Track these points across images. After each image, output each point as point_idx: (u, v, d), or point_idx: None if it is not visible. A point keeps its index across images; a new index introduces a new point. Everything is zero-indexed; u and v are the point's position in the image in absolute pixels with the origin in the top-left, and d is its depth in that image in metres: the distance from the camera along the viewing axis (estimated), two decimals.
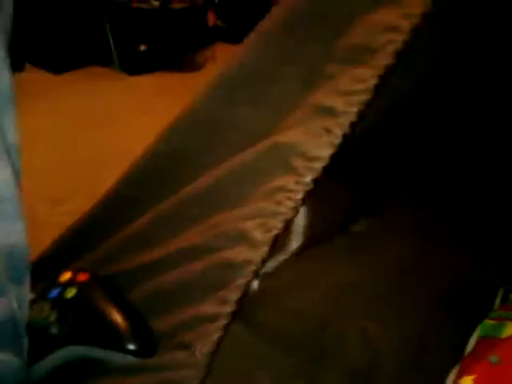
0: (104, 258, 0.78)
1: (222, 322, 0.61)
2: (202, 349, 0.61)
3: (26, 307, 0.51)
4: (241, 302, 0.61)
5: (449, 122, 1.12)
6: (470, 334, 0.82)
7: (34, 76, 2.45)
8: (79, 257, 0.80)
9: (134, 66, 2.60)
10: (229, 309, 0.61)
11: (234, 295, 0.61)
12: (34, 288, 0.75)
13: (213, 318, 0.61)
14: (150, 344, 0.67)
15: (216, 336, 0.61)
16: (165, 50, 2.66)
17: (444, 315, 0.95)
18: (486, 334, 0.79)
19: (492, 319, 0.81)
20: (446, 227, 1.12)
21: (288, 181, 0.62)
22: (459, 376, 0.72)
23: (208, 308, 0.62)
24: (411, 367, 0.86)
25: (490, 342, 0.77)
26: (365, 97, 0.61)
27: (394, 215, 1.17)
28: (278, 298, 0.93)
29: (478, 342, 0.79)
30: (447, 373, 0.78)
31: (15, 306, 0.48)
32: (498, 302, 0.88)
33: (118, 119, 2.04)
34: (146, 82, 2.55)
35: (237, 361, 0.79)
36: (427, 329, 0.93)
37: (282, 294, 0.94)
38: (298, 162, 0.62)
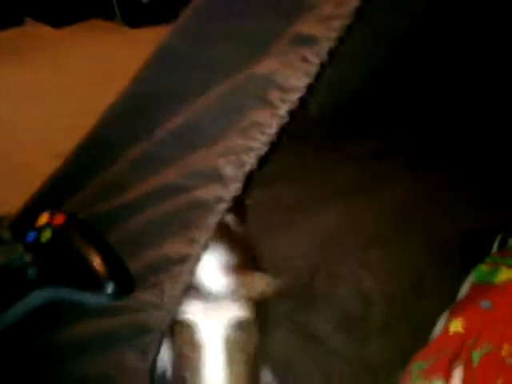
0: (82, 203, 0.76)
1: (191, 263, 0.58)
2: (171, 291, 0.59)
3: None
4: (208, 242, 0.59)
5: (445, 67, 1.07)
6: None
7: (34, 30, 2.40)
8: (59, 203, 0.79)
9: (137, 18, 2.53)
10: (198, 249, 0.58)
11: (203, 235, 0.58)
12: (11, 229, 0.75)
13: (182, 259, 0.59)
14: (127, 285, 0.66)
15: (185, 278, 0.59)
16: (168, 1, 2.58)
17: (441, 262, 0.92)
18: (480, 279, 0.76)
19: (487, 264, 0.78)
20: (447, 175, 1.07)
21: (263, 115, 0.58)
22: (449, 319, 0.70)
23: (177, 248, 0.60)
24: (404, 313, 0.84)
25: (483, 287, 0.74)
26: (345, 21, 0.57)
27: (395, 161, 1.13)
28: (270, 248, 0.90)
29: (471, 287, 0.76)
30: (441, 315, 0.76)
31: None
32: (495, 247, 0.84)
33: (119, 73, 1.99)
34: (149, 35, 2.48)
35: None
36: (423, 275, 0.91)
37: (273, 244, 0.92)
38: (274, 95, 0.59)
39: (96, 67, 2.07)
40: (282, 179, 1.04)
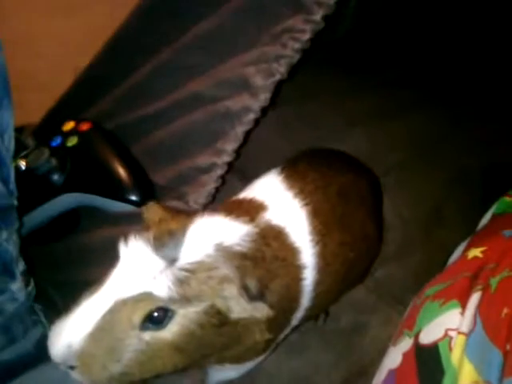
0: (106, 112, 0.74)
1: (217, 172, 0.58)
2: (197, 199, 0.59)
3: (11, 134, 0.48)
4: (238, 152, 0.58)
5: None
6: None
7: None
8: (82, 113, 0.78)
9: None
10: (225, 159, 0.57)
11: (230, 145, 0.57)
12: (34, 136, 0.74)
13: (208, 169, 0.58)
14: (150, 195, 0.66)
15: (210, 187, 0.58)
16: None
17: (461, 193, 0.90)
18: (503, 210, 0.74)
19: (510, 196, 0.75)
20: (471, 107, 1.03)
21: (296, 20, 0.55)
22: (468, 248, 0.68)
23: (204, 159, 0.59)
24: (420, 240, 0.83)
25: (505, 217, 0.72)
26: None
27: (419, 90, 1.09)
28: None
29: (493, 218, 0.74)
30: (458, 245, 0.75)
31: None
32: None
33: None
34: None
35: None
36: (442, 205, 0.89)
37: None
38: None
39: None
40: (308, 99, 1.02)
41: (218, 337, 0.43)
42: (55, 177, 0.67)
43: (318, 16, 0.53)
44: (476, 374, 0.41)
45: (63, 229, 0.70)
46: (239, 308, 0.41)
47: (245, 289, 0.41)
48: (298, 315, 0.52)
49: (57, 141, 0.70)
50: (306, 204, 0.51)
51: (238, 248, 0.43)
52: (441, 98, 1.07)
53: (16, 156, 0.53)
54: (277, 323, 0.48)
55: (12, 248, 0.47)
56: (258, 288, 0.42)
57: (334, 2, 0.53)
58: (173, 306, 0.40)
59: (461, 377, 0.41)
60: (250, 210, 0.48)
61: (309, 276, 0.49)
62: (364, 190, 0.61)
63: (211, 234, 0.43)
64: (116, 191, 0.66)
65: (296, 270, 0.48)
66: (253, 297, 0.41)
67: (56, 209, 0.68)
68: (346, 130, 0.95)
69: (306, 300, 0.50)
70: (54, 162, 0.67)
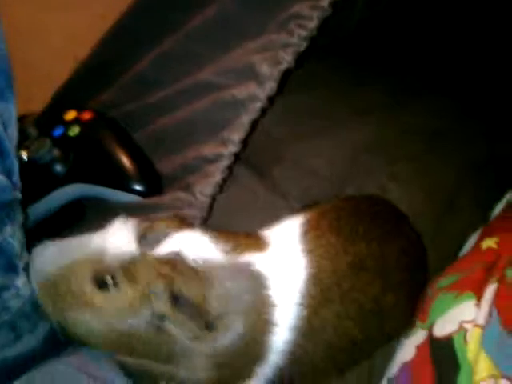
0: (109, 101, 0.73)
1: (224, 163, 0.57)
2: (203, 190, 0.58)
3: (14, 125, 0.47)
4: (244, 142, 0.57)
5: None
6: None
7: None
8: (84, 101, 0.76)
9: None
10: (231, 149, 0.56)
11: (237, 135, 0.56)
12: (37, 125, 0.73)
13: (214, 159, 0.57)
14: (156, 185, 0.64)
15: (217, 178, 0.57)
16: None
17: (476, 181, 0.89)
18: None
19: None
20: (482, 94, 1.01)
21: (303, 7, 0.54)
22: (481, 238, 0.67)
23: (210, 149, 0.58)
24: (432, 229, 0.82)
25: None
26: None
27: (430, 77, 1.07)
28: (297, 155, 0.88)
29: (506, 207, 0.74)
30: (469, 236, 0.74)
31: None
32: None
33: None
34: None
35: (251, 214, 0.77)
36: (454, 195, 0.88)
37: (301, 150, 0.89)
38: None
39: None
40: (313, 88, 1.00)
41: (151, 339, 0.45)
42: (58, 167, 0.66)
43: (325, 2, 0.52)
44: (493, 367, 0.40)
45: (68, 221, 0.69)
46: (159, 305, 0.44)
47: (174, 296, 0.44)
48: (266, 371, 0.49)
49: (59, 130, 0.69)
50: (311, 267, 0.49)
51: (194, 264, 0.45)
52: (451, 87, 1.04)
53: (18, 147, 0.52)
54: (230, 364, 0.47)
55: (16, 243, 0.46)
56: (190, 303, 0.43)
57: None
58: (119, 278, 0.44)
59: (477, 370, 0.40)
60: (241, 245, 0.48)
61: (281, 334, 0.47)
62: (390, 258, 0.55)
63: (184, 245, 0.46)
64: (120, 181, 0.65)
65: (263, 322, 0.47)
66: (183, 309, 0.43)
67: (59, 200, 0.66)
68: (354, 120, 0.93)
69: (274, 357, 0.48)
70: (56, 152, 0.65)
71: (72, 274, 0.45)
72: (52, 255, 0.46)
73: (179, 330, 0.44)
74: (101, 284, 0.44)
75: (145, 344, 0.45)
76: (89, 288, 0.44)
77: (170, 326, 0.44)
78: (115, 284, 0.44)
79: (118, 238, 0.46)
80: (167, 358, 0.46)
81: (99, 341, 0.46)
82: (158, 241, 0.46)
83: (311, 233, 0.52)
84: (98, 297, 0.44)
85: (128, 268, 0.44)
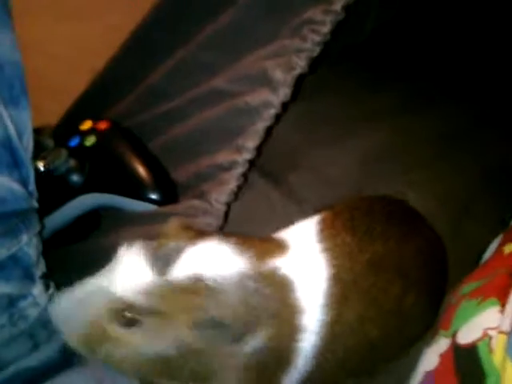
0: (124, 112, 0.74)
1: (239, 170, 0.56)
2: (218, 198, 0.57)
3: (29, 134, 0.48)
4: (259, 149, 0.56)
5: None
6: None
7: None
8: (100, 112, 0.77)
9: None
10: (246, 156, 0.56)
11: (251, 142, 0.56)
12: (53, 137, 0.74)
13: (229, 167, 0.57)
14: (171, 193, 0.65)
15: (232, 185, 0.57)
16: None
17: (491, 188, 0.87)
18: None
19: None
20: (501, 100, 1.00)
21: (315, 11, 0.54)
22: (503, 243, 0.65)
23: (224, 156, 0.58)
24: (450, 235, 0.81)
25: None
26: None
27: (446, 83, 1.06)
28: (312, 162, 0.87)
29: None
30: (490, 242, 0.72)
31: (11, 130, 0.44)
32: None
33: None
34: None
35: (267, 221, 0.76)
36: (473, 198, 0.87)
37: (315, 158, 0.89)
38: None
39: None
40: (327, 95, 0.99)
41: (183, 358, 0.44)
42: (74, 177, 0.66)
43: (338, 6, 0.52)
44: None
45: (83, 230, 0.69)
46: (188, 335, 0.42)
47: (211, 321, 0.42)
48: (294, 377, 0.48)
49: (75, 141, 0.69)
50: (329, 266, 0.48)
51: (218, 280, 0.42)
52: (465, 93, 1.03)
53: (34, 158, 0.52)
54: (262, 376, 0.46)
55: (32, 252, 0.46)
56: (221, 323, 0.42)
57: None
58: (139, 315, 0.42)
59: (505, 379, 0.38)
60: (262, 251, 0.46)
61: (309, 338, 0.46)
62: (408, 258, 0.54)
63: (203, 260, 0.43)
64: (136, 190, 0.65)
65: (292, 327, 0.45)
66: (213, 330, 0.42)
67: (76, 210, 0.67)
68: (367, 127, 0.93)
69: (302, 362, 0.47)
70: (72, 162, 0.66)
71: (97, 322, 0.43)
72: (72, 308, 0.44)
73: (209, 349, 0.43)
74: (128, 323, 0.43)
75: (178, 367, 0.44)
76: (119, 330, 0.43)
77: (199, 346, 0.43)
78: (140, 319, 0.42)
79: (129, 271, 0.43)
80: (197, 376, 0.45)
81: (135, 370, 0.45)
82: (172, 260, 0.43)
83: (326, 231, 0.51)
84: (130, 336, 0.43)
85: (149, 300, 0.42)
